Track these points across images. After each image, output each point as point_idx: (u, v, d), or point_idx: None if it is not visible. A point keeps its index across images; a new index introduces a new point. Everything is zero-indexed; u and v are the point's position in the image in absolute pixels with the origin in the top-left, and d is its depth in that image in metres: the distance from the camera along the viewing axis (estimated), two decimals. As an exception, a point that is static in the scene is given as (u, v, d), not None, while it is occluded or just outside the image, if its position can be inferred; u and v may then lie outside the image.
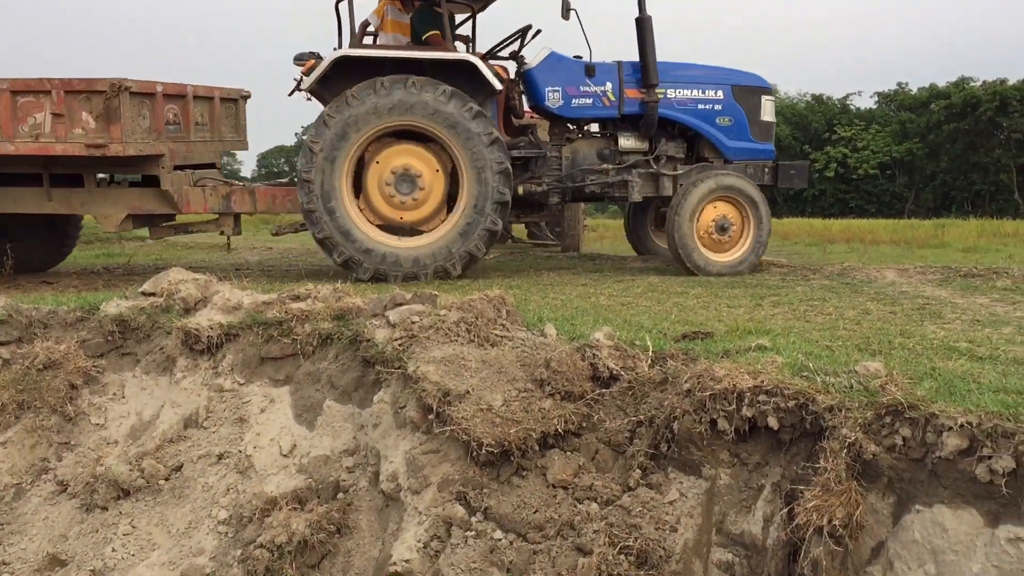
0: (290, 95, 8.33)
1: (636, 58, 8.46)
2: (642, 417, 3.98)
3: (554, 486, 3.86)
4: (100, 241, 14.01)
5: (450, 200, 7.92)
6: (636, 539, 3.54)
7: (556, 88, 8.33)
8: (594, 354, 4.24)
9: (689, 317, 5.45)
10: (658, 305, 6.12)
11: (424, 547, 3.77)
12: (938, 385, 3.38)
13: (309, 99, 8.22)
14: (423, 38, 8.25)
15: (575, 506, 3.78)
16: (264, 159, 68.57)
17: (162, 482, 4.73)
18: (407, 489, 4.01)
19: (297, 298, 5.40)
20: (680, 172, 8.51)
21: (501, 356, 4.36)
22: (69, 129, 7.67)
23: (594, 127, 8.91)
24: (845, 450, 3.23)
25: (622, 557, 3.51)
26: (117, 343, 5.47)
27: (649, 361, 4.21)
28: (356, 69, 7.71)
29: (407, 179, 7.69)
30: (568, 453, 3.98)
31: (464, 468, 3.93)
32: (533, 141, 8.53)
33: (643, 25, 8.32)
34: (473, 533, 3.74)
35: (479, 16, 9.26)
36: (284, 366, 5.12)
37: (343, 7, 8.07)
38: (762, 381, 3.63)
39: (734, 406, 3.63)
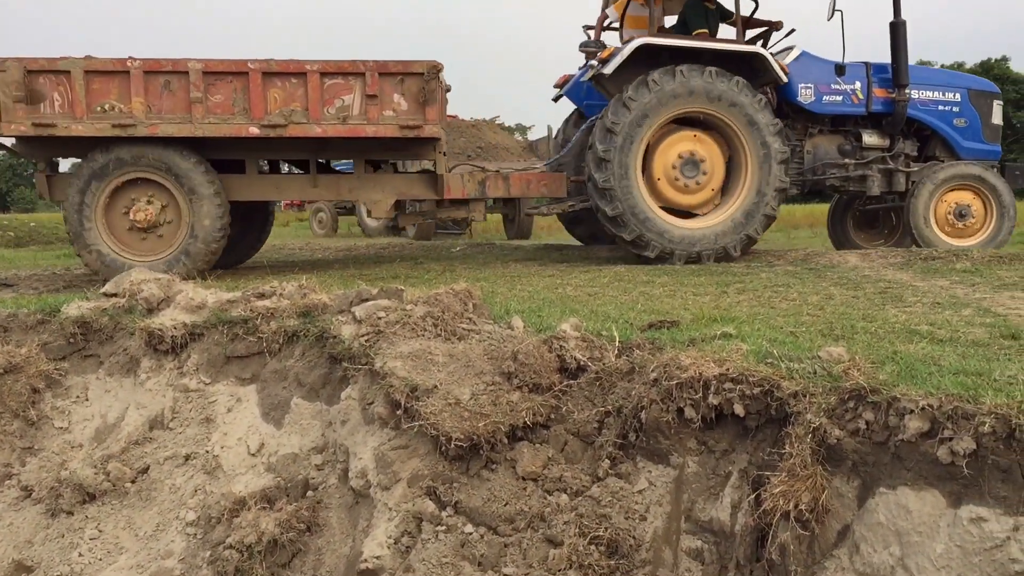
0: (588, 79, 8.92)
1: (877, 59, 9.02)
2: (610, 407, 3.99)
3: (524, 478, 3.86)
4: (60, 242, 13.81)
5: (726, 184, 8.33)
6: (606, 529, 3.56)
7: (809, 85, 8.87)
8: (561, 346, 4.25)
9: (655, 306, 5.48)
10: (624, 295, 6.14)
11: (395, 543, 3.76)
12: (900, 368, 3.43)
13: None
14: (692, 34, 8.81)
15: (545, 498, 3.79)
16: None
17: (128, 485, 4.68)
18: (377, 485, 3.99)
19: (262, 296, 5.36)
20: (913, 169, 9.02)
21: (468, 350, 4.35)
22: (380, 111, 7.75)
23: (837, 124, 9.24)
24: (810, 435, 3.26)
25: (592, 547, 3.52)
26: (79, 345, 5.40)
27: (616, 351, 4.22)
28: (644, 60, 8.27)
29: (692, 163, 8.23)
30: (537, 445, 3.98)
31: (433, 463, 3.93)
32: (787, 135, 8.85)
33: (897, 29, 8.89)
34: (444, 528, 3.73)
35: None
36: (250, 364, 5.07)
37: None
38: (728, 369, 3.65)
39: (700, 394, 3.65)
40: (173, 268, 7.64)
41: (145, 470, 4.74)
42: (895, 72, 8.95)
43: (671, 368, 3.76)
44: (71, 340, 5.38)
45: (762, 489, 3.36)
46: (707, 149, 8.38)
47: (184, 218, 7.87)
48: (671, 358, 3.83)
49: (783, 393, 3.46)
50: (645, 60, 8.32)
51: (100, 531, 4.52)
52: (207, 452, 4.72)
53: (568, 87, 10.15)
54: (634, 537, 3.57)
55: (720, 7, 9.24)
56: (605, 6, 9.66)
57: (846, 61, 8.99)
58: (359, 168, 8.59)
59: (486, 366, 4.24)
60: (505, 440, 3.91)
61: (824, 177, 9.08)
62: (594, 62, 8.80)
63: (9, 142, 8.14)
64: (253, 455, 4.66)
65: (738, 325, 4.49)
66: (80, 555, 4.44)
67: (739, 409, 3.58)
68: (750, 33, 9.35)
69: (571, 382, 4.16)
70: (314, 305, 5.14)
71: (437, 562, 3.60)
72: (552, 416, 4.06)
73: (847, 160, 9.05)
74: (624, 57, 8.33)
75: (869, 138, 9.13)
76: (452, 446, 3.83)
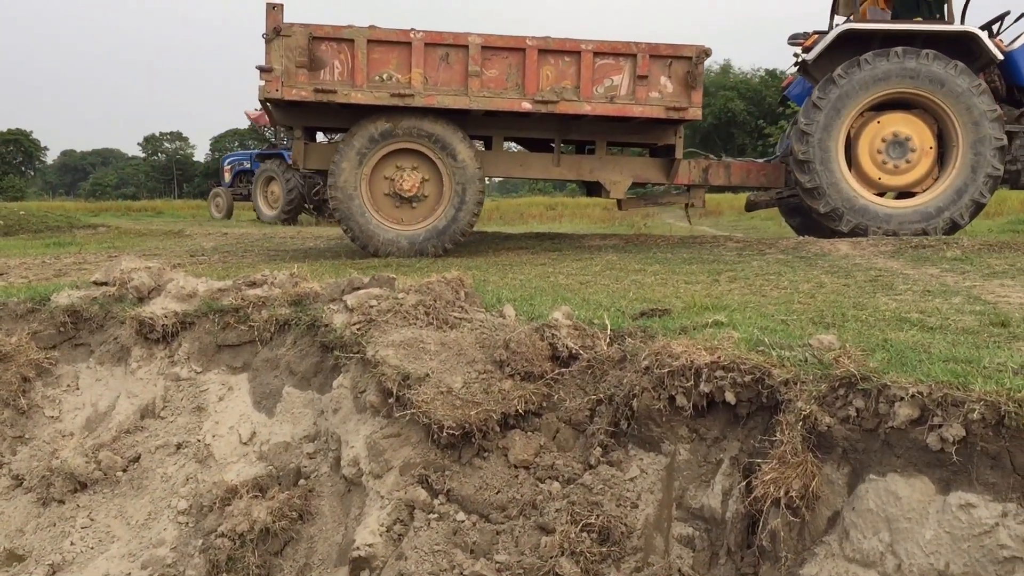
0: (789, 69, 9.12)
1: None
2: (602, 395, 4.00)
3: (516, 466, 3.87)
4: (50, 230, 13.76)
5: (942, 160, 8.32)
6: (598, 516, 3.57)
7: None
8: (553, 334, 4.25)
9: (647, 294, 5.48)
10: (616, 283, 6.15)
11: (387, 531, 3.77)
12: (890, 356, 3.44)
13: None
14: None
15: (537, 485, 3.80)
16: (217, 143, 67.79)
17: (120, 474, 4.68)
18: (369, 474, 4.00)
19: (253, 284, 5.34)
20: None
21: (460, 338, 4.36)
22: (648, 92, 7.87)
23: None
24: (800, 423, 3.28)
25: (584, 535, 3.53)
26: (70, 334, 5.38)
27: (608, 339, 4.23)
28: (850, 47, 8.28)
29: (898, 144, 8.22)
30: (529, 433, 3.99)
31: (425, 451, 3.93)
32: (1019, 119, 8.78)
33: None
34: (436, 516, 3.74)
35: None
36: (242, 353, 5.07)
37: None
38: (719, 357, 3.66)
39: (692, 382, 3.66)
40: (428, 242, 8.06)
41: (137, 459, 4.74)
42: None
43: (663, 356, 3.77)
44: (61, 329, 5.37)
45: (753, 476, 3.38)
46: (917, 132, 8.35)
47: (445, 191, 8.08)
48: (663, 346, 3.84)
49: (774, 381, 3.47)
50: (855, 48, 8.34)
51: (92, 520, 4.51)
52: (199, 441, 4.72)
53: (791, 88, 10.30)
54: (625, 524, 3.58)
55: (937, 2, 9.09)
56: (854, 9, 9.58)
57: None
58: (601, 150, 8.78)
59: (478, 354, 4.24)
60: (497, 428, 3.91)
61: None
62: (798, 51, 8.95)
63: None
64: (245, 444, 4.66)
65: (729, 313, 4.50)
66: (72, 544, 4.44)
67: (730, 397, 3.59)
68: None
69: (563, 370, 4.16)
70: (305, 294, 5.13)
71: (429, 550, 3.61)
72: (544, 404, 4.06)
73: None
74: (828, 42, 8.43)
75: None
76: (444, 434, 3.83)
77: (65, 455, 4.79)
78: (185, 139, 77.39)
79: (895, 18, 8.90)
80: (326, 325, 4.77)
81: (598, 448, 3.87)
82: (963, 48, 8.44)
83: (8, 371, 5.10)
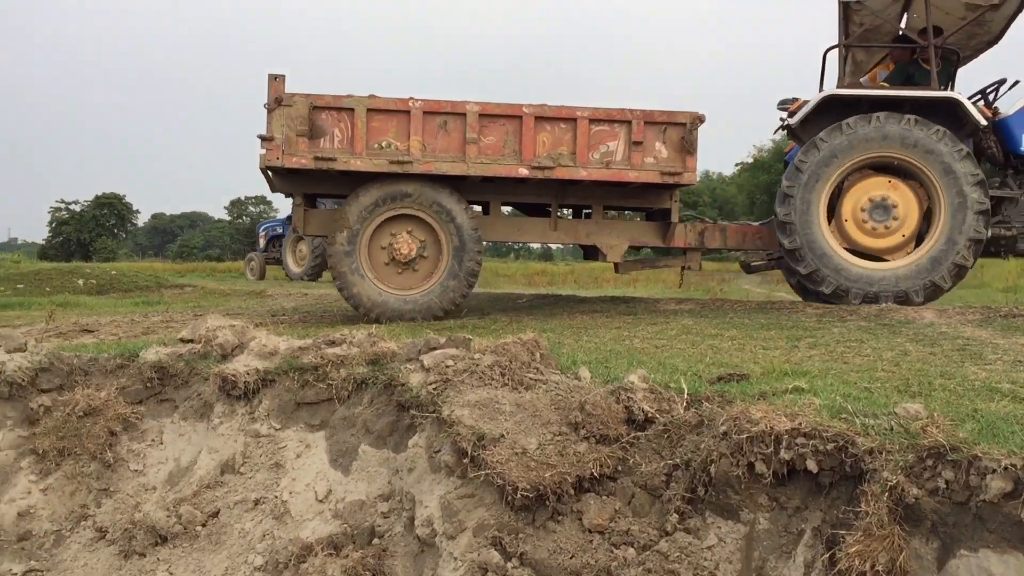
0: (774, 133, 9.32)
1: None
2: (678, 460, 3.94)
3: (590, 531, 3.82)
4: (139, 290, 14.25)
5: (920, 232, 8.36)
6: (674, 585, 3.49)
7: None
8: (629, 397, 4.22)
9: (724, 359, 5.41)
10: (693, 347, 6.08)
11: (460, 593, 3.74)
12: (980, 427, 3.32)
13: (789, 135, 9.05)
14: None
15: (612, 551, 3.74)
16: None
17: (199, 528, 4.75)
18: (442, 534, 3.99)
19: (332, 343, 5.44)
20: None
21: (535, 399, 4.35)
22: (643, 158, 8.07)
23: None
24: (887, 494, 3.17)
25: (660, 603, 3.46)
26: (156, 390, 5.54)
27: (684, 403, 4.18)
28: (838, 110, 8.39)
29: (883, 208, 8.30)
30: (604, 497, 3.94)
31: (499, 513, 3.91)
32: (1009, 184, 8.82)
33: None
34: (509, 579, 3.70)
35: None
36: (320, 411, 5.14)
37: (832, 54, 8.87)
38: (800, 423, 3.58)
39: (772, 449, 3.58)
40: (427, 306, 8.18)
41: (216, 514, 4.81)
42: None
43: (741, 421, 3.70)
44: (148, 384, 5.53)
45: (837, 548, 3.27)
46: (901, 195, 8.41)
47: (444, 255, 8.24)
48: (741, 411, 3.77)
49: (858, 449, 3.38)
50: (843, 113, 8.44)
51: (171, 573, 4.59)
52: (276, 497, 4.78)
53: (791, 153, 10.34)
54: (703, 594, 3.49)
55: (945, 70, 9.17)
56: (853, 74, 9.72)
57: None
58: (597, 213, 8.93)
59: (553, 416, 4.23)
60: (572, 491, 3.88)
61: None
62: (784, 115, 9.04)
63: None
64: (321, 501, 4.70)
65: (810, 379, 4.41)
66: (150, 597, 4.51)
67: (812, 465, 3.50)
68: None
69: (638, 434, 4.12)
70: (383, 353, 5.20)
71: (502, 614, 3.56)
72: (619, 468, 4.02)
73: None
74: (811, 108, 8.54)
75: None
76: (518, 496, 3.81)
77: (147, 508, 4.90)
78: (268, 203, 79.80)
79: (906, 84, 8.97)
80: (402, 384, 4.82)
81: (675, 514, 3.80)
82: (951, 114, 8.50)
83: (96, 425, 5.26)
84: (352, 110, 7.96)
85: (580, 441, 4.08)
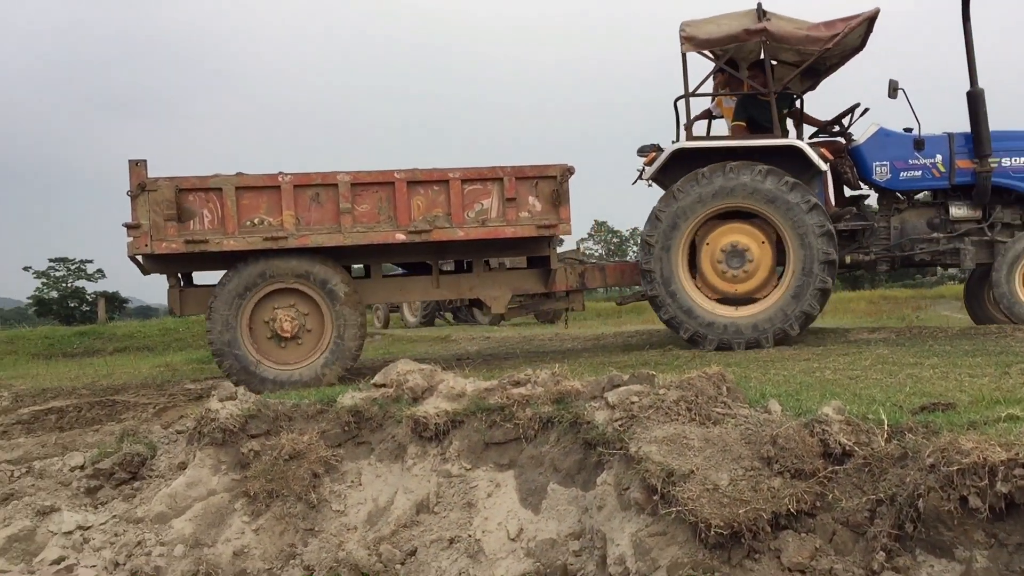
0: (633, 184, 9.41)
1: (968, 129, 8.82)
2: (882, 495, 3.74)
3: (790, 569, 3.68)
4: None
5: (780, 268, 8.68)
6: (885, 627, 3.30)
7: (883, 163, 8.94)
8: (824, 429, 4.05)
9: (926, 388, 5.11)
10: (890, 377, 5.78)
11: (656, 633, 3.68)
12: None
13: (650, 185, 9.29)
14: (730, 127, 9.37)
15: (814, 591, 3.58)
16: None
17: (399, 567, 4.91)
18: (635, 573, 3.94)
19: (517, 383, 5.53)
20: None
21: (724, 434, 4.26)
22: (517, 213, 8.31)
23: (926, 196, 9.29)
24: (1124, 528, 2.89)
25: (871, 647, 3.27)
26: (353, 433, 5.78)
27: (885, 435, 3.97)
28: (693, 158, 8.69)
29: (737, 254, 8.56)
30: (803, 534, 3.79)
31: (693, 551, 3.83)
32: (859, 212, 9.17)
33: (975, 98, 8.71)
34: (706, 619, 3.62)
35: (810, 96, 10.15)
36: (508, 451, 5.23)
37: (680, 104, 9.03)
38: (1017, 454, 3.33)
39: (986, 481, 3.34)
40: (316, 374, 7.99)
41: (413, 552, 4.96)
42: (975, 142, 8.74)
43: (950, 453, 3.48)
44: (346, 428, 5.79)
45: (1068, 588, 3.01)
46: (750, 238, 8.59)
47: (326, 325, 8.12)
48: (950, 442, 3.55)
49: (1086, 480, 3.10)
50: (697, 160, 8.64)
51: (374, 610, 4.75)
52: (469, 536, 4.88)
53: None
54: (918, 638, 3.28)
55: (785, 98, 9.34)
56: (711, 100, 9.99)
57: (926, 134, 8.88)
58: (478, 267, 8.95)
59: (743, 451, 4.12)
60: (768, 528, 3.75)
61: (913, 252, 8.99)
62: (642, 165, 9.17)
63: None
64: (513, 540, 4.76)
65: (1025, 407, 4.09)
66: (356, 633, 4.68)
67: (1033, 498, 3.24)
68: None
69: (836, 468, 3.95)
70: (567, 392, 5.24)
71: (701, 655, 3.48)
72: (817, 504, 3.86)
73: (936, 234, 8.93)
74: (664, 159, 8.75)
75: (957, 210, 8.93)
76: (712, 533, 3.72)
77: (350, 547, 5.12)
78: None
79: (747, 119, 9.15)
80: (588, 422, 4.83)
81: (881, 552, 3.60)
82: (797, 155, 8.51)
83: (301, 467, 5.55)
84: (220, 190, 7.82)
85: (774, 476, 3.95)
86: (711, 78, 9.40)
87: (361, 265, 9.07)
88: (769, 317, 8.46)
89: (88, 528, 5.38)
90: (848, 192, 9.57)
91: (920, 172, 8.91)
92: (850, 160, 9.16)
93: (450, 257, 9.14)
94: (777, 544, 3.76)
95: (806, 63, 8.97)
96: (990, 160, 8.68)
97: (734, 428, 4.32)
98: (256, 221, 7.90)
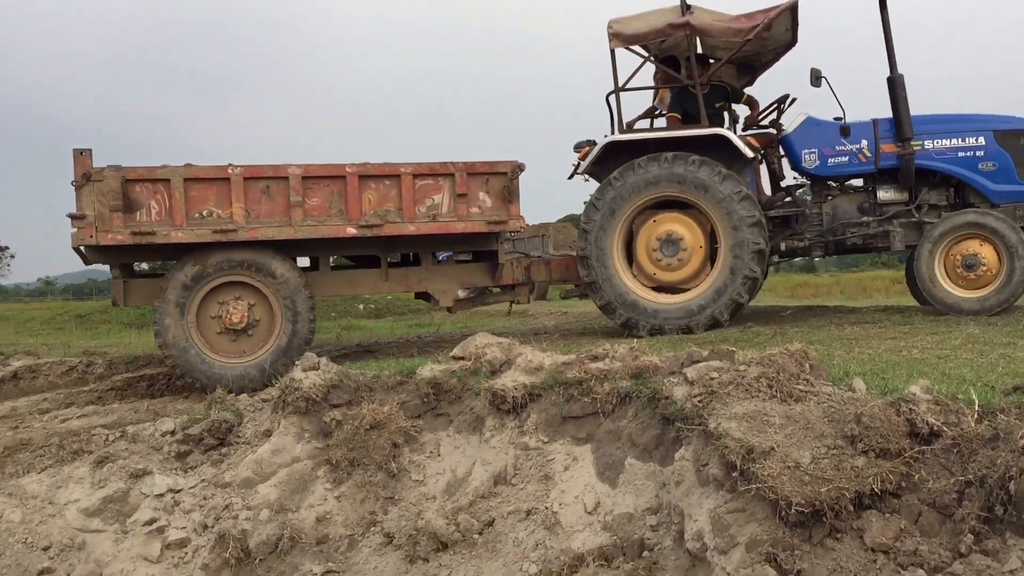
0: (569, 178, 9.71)
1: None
2: (971, 477, 3.63)
3: (873, 550, 3.61)
4: (412, 313, 15.18)
5: (713, 257, 8.90)
6: (972, 611, 3.22)
7: (812, 150, 9.17)
8: (911, 409, 3.96)
9: (1019, 368, 4.95)
10: (981, 357, 5.61)
11: (734, 609, 3.66)
12: None
13: (587, 180, 9.61)
14: (666, 118, 9.63)
15: (898, 572, 3.51)
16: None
17: (476, 536, 4.97)
18: (714, 549, 3.92)
19: (595, 358, 5.52)
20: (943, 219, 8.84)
21: (806, 411, 4.19)
22: (468, 208, 8.41)
23: (857, 183, 9.51)
24: None
25: (956, 630, 3.20)
26: (432, 404, 5.86)
27: (976, 416, 3.86)
28: (626, 151, 8.93)
29: (671, 243, 8.78)
30: (887, 515, 3.71)
31: (772, 528, 3.79)
32: (791, 200, 9.52)
33: (894, 83, 8.95)
34: (786, 597, 3.58)
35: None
36: (585, 424, 5.24)
37: (612, 99, 9.26)
38: (1117, 436, 3.20)
39: (1083, 464, 3.22)
40: (277, 363, 7.79)
41: (491, 523, 5.02)
42: (897, 126, 8.97)
43: (1045, 434, 3.36)
44: (425, 400, 5.86)
45: None
46: (689, 231, 8.74)
47: (276, 318, 8.03)
48: (1044, 423, 3.43)
49: None
50: (630, 153, 8.80)
51: (452, 578, 4.83)
52: (546, 508, 4.91)
53: None
54: (1007, 623, 3.20)
55: (718, 90, 9.52)
56: (654, 98, 10.25)
57: (853, 121, 9.09)
58: (427, 261, 9.00)
59: (826, 429, 4.05)
60: (850, 507, 3.68)
61: (844, 237, 9.17)
62: (576, 159, 9.39)
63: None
64: (589, 513, 4.78)
65: None
66: (435, 600, 4.77)
67: None
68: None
69: (923, 448, 3.85)
70: (645, 367, 5.21)
71: (780, 632, 3.45)
72: (902, 484, 3.77)
73: (866, 218, 9.13)
74: (597, 152, 8.94)
75: (885, 193, 9.15)
76: (792, 511, 3.67)
77: (429, 516, 5.19)
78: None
79: (682, 112, 9.32)
80: (666, 397, 4.81)
81: (969, 535, 3.50)
82: (727, 144, 8.69)
83: (381, 437, 5.65)
84: (168, 180, 7.67)
85: (857, 455, 3.88)
86: (640, 74, 9.72)
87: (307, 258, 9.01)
88: (701, 304, 8.64)
89: (178, 491, 5.58)
90: (784, 183, 9.83)
91: (847, 158, 9.13)
92: (778, 151, 9.48)
93: (400, 251, 9.22)
94: (860, 524, 3.69)
95: (732, 54, 9.21)
96: (912, 143, 8.88)
97: (816, 406, 4.25)
98: (205, 213, 7.82)
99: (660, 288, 8.92)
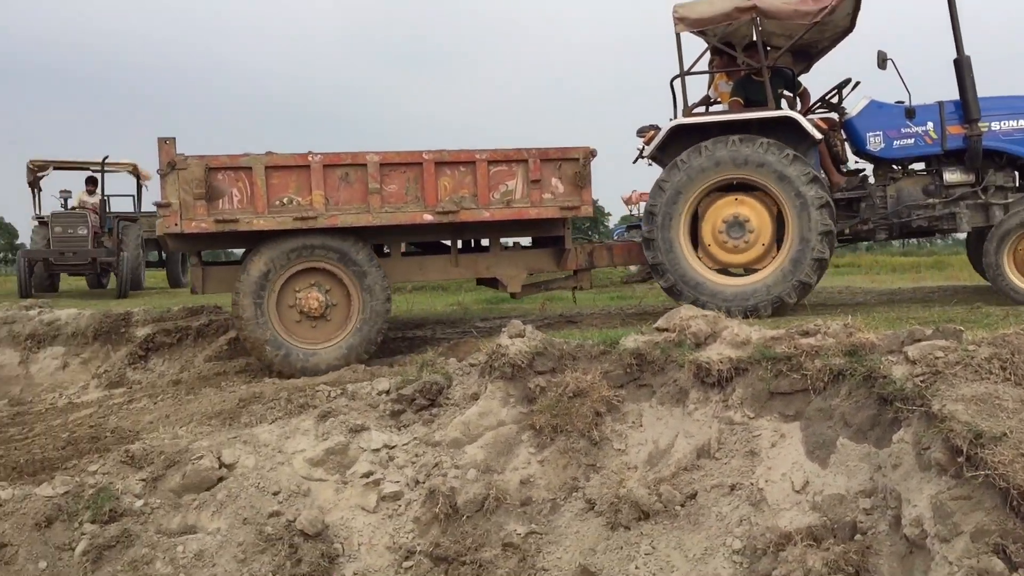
0: (634, 162, 9.77)
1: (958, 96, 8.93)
2: None
3: (1120, 550, 3.31)
4: (613, 285, 15.21)
5: (779, 240, 8.78)
6: None
7: (877, 133, 9.08)
8: None
9: None
10: None
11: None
12: None
13: (650, 164, 9.60)
14: (729, 104, 9.52)
15: None
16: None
17: (678, 508, 4.95)
18: (934, 536, 3.72)
19: (806, 333, 5.34)
20: (1011, 200, 8.82)
21: (1045, 397, 3.87)
22: (541, 194, 8.45)
23: (919, 166, 9.43)
24: None
25: None
26: (634, 375, 5.86)
27: None
28: (690, 135, 8.89)
29: (737, 225, 8.68)
30: None
31: (1002, 518, 3.55)
32: (857, 183, 9.34)
33: (961, 65, 8.79)
34: (1016, 592, 3.34)
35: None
36: (794, 401, 5.08)
37: (677, 83, 9.20)
38: None
39: None
40: (352, 350, 7.88)
41: (693, 495, 4.98)
42: (964, 108, 8.80)
43: None
44: (628, 370, 5.87)
45: None
46: (751, 209, 8.64)
47: (354, 303, 8.03)
48: None
49: None
50: (695, 138, 8.69)
51: (653, 548, 4.84)
52: (751, 484, 4.81)
53: None
54: None
55: (781, 75, 9.42)
56: (708, 86, 10.13)
57: (917, 103, 8.94)
58: (495, 247, 8.94)
59: (1068, 416, 3.73)
60: (1094, 502, 3.39)
61: (910, 219, 9.06)
62: (641, 144, 9.39)
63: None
64: (797, 492, 4.64)
65: None
66: (636, 568, 4.80)
67: None
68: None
69: None
70: (861, 344, 4.99)
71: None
72: None
73: (932, 200, 9.00)
74: (663, 137, 8.87)
75: (951, 175, 8.99)
76: (1026, 502, 3.42)
77: (631, 485, 5.21)
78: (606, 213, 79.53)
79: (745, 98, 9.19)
80: (884, 377, 4.58)
81: None
82: (793, 127, 8.59)
83: (584, 405, 5.72)
84: (250, 168, 7.64)
85: (1104, 446, 3.55)
86: (708, 59, 9.68)
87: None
88: (767, 286, 8.52)
89: (393, 447, 5.89)
90: (842, 168, 9.60)
91: (913, 140, 9.05)
92: (841, 134, 9.37)
93: (471, 236, 9.17)
94: (1105, 520, 3.39)
95: (797, 38, 9.03)
96: (979, 124, 8.73)
97: (1057, 391, 3.92)
98: (285, 200, 7.88)
99: (725, 270, 8.97)
